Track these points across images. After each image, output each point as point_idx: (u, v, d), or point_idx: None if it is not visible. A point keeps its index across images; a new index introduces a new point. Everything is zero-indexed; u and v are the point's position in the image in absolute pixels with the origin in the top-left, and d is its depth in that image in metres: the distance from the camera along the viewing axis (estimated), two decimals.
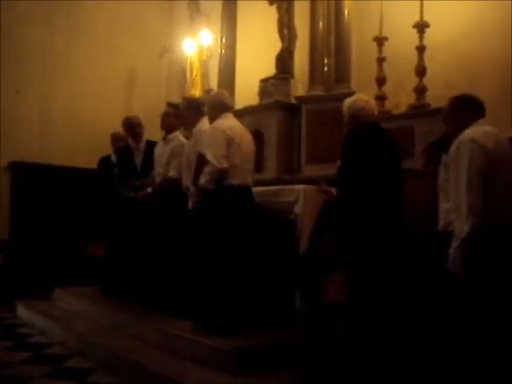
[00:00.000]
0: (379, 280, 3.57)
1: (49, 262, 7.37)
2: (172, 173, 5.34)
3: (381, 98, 5.88)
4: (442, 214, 3.30)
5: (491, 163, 3.09)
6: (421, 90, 5.51)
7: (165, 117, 5.67)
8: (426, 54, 5.54)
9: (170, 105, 5.73)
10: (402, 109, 5.76)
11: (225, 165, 4.40)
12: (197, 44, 8.09)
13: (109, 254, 6.14)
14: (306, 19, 6.49)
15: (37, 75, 8.07)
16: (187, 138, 6.15)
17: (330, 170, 5.45)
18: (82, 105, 8.41)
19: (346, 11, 6.16)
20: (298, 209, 4.71)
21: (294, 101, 6.33)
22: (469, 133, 3.21)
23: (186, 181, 4.88)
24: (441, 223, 3.29)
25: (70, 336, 5.31)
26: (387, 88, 5.92)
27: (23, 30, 7.90)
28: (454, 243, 3.06)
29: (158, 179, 5.53)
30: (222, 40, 7.48)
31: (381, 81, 5.88)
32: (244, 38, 7.49)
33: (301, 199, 4.71)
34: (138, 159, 6.06)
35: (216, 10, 7.78)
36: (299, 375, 3.56)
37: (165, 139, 5.59)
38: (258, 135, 6.29)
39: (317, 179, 4.76)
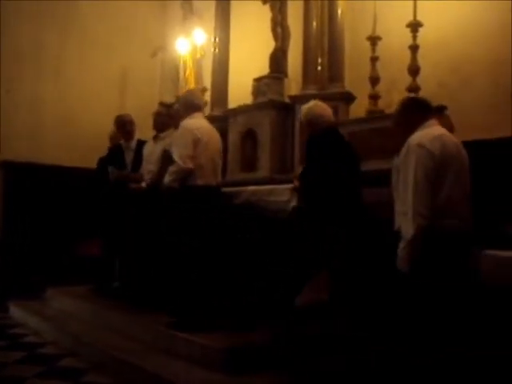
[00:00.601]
0: (360, 280, 3.60)
1: (42, 262, 7.35)
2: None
3: (374, 98, 5.88)
4: (396, 215, 3.39)
5: (438, 168, 3.20)
6: (414, 90, 5.51)
7: (156, 116, 5.67)
8: (419, 54, 5.55)
9: (162, 104, 5.73)
10: (395, 108, 5.77)
11: (190, 165, 4.55)
12: (190, 43, 8.07)
13: (105, 252, 6.11)
14: (300, 18, 6.48)
15: (28, 75, 8.04)
16: None
17: None
18: (75, 104, 8.39)
19: (339, 11, 6.15)
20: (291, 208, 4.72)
21: (287, 100, 6.33)
22: (417, 137, 3.31)
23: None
24: (396, 224, 3.37)
25: (64, 336, 5.30)
26: (380, 87, 5.92)
27: (14, 29, 7.88)
28: (401, 244, 3.19)
29: (147, 177, 5.49)
30: (215, 39, 7.48)
31: (374, 80, 5.88)
32: (237, 37, 7.49)
33: (294, 198, 4.71)
34: (129, 158, 6.06)
35: (209, 10, 7.77)
36: (291, 375, 3.56)
37: (156, 137, 5.57)
38: (251, 134, 6.30)
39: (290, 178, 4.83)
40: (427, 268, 3.11)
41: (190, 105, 4.88)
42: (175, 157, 4.58)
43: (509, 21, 5.29)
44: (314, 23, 6.33)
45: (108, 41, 8.69)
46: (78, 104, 8.39)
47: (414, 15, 5.52)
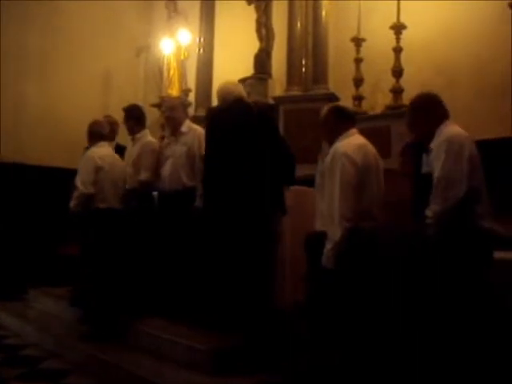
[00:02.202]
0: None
1: (23, 263, 7.27)
2: (144, 175, 5.27)
3: (358, 99, 5.92)
4: (319, 215, 3.64)
5: (360, 175, 3.51)
6: (397, 91, 5.56)
7: (124, 123, 5.63)
8: (403, 55, 5.59)
9: (124, 109, 5.67)
10: (379, 109, 5.82)
11: (90, 190, 5.09)
12: (175, 43, 8.05)
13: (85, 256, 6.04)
14: (284, 20, 6.51)
15: (11, 75, 7.94)
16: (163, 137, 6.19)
17: (308, 170, 5.48)
18: (59, 104, 8.30)
19: (323, 12, 6.19)
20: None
21: (271, 101, 6.33)
22: (341, 146, 3.60)
23: (186, 179, 4.86)
24: (319, 223, 3.64)
25: (46, 337, 5.25)
26: (364, 88, 5.96)
27: None
28: (328, 245, 3.44)
29: (127, 179, 5.44)
30: (199, 39, 7.47)
31: (358, 81, 5.92)
32: (222, 37, 7.49)
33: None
34: None
35: (194, 10, 7.77)
36: (276, 376, 3.56)
37: (133, 139, 5.53)
38: None
39: None
40: (351, 265, 3.40)
41: (96, 134, 5.42)
42: (77, 183, 5.11)
43: (492, 22, 5.35)
44: (299, 24, 6.37)
45: (92, 40, 8.61)
46: (61, 104, 8.31)
47: (398, 17, 5.56)
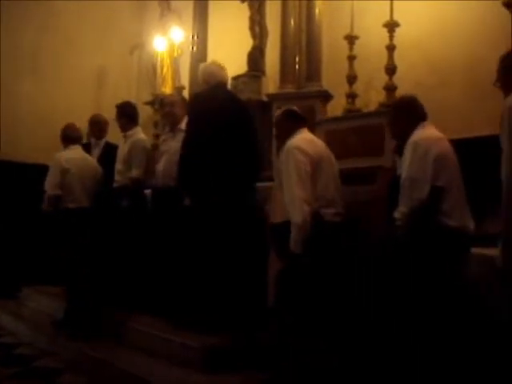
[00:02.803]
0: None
1: (16, 261, 7.24)
2: (135, 172, 5.28)
3: (351, 96, 5.91)
4: (282, 206, 3.86)
5: (313, 165, 3.79)
6: (390, 89, 5.56)
7: (117, 121, 5.63)
8: (396, 53, 5.59)
9: (117, 106, 5.68)
10: (372, 107, 5.81)
11: (57, 192, 5.41)
12: (168, 41, 8.03)
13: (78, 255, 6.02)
14: (278, 17, 6.49)
15: (4, 73, 7.89)
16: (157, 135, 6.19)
17: None
18: (51, 102, 8.26)
19: (317, 10, 6.17)
20: (268, 206, 4.73)
21: (264, 98, 6.33)
22: (293, 141, 3.91)
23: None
24: (278, 217, 3.94)
25: (39, 336, 5.24)
26: (358, 86, 5.95)
27: None
28: (293, 230, 3.65)
29: (116, 176, 5.44)
30: (193, 37, 7.44)
31: (351, 79, 5.91)
32: (215, 35, 7.46)
33: (271, 197, 4.72)
34: (95, 155, 6.14)
35: (187, 7, 7.74)
36: (269, 375, 3.56)
37: (125, 136, 5.53)
38: None
39: None
40: (316, 248, 3.63)
41: (67, 138, 5.77)
42: (45, 185, 5.51)
43: (485, 20, 5.36)
44: (292, 22, 6.35)
45: (85, 38, 8.58)
46: (55, 102, 8.28)
47: (391, 15, 5.56)
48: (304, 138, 3.97)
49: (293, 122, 4.13)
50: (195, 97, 4.59)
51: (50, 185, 5.52)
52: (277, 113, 4.42)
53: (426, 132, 3.49)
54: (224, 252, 4.06)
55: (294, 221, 3.64)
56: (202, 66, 4.90)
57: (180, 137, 4.90)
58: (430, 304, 3.14)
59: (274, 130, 4.28)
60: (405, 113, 3.65)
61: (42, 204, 5.53)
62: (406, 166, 3.39)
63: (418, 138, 3.42)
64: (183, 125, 4.94)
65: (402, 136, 3.58)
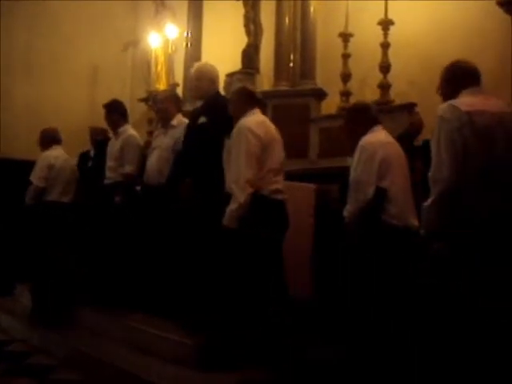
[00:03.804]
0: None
1: (11, 258, 7.21)
2: (128, 168, 5.28)
3: (346, 94, 5.92)
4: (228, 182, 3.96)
5: (262, 146, 3.84)
6: (385, 87, 5.57)
7: (107, 119, 5.62)
8: (391, 52, 5.60)
9: (108, 104, 5.67)
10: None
11: (43, 184, 6.04)
12: (162, 38, 8.01)
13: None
14: (272, 15, 6.50)
15: None
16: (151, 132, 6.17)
17: (295, 164, 5.49)
18: (45, 100, 8.25)
19: (311, 7, 6.19)
20: None
21: (259, 96, 6.32)
22: (245, 122, 3.94)
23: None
24: (227, 188, 3.95)
25: (32, 333, 5.23)
26: (352, 84, 5.96)
27: None
28: (233, 205, 3.75)
29: (108, 173, 5.42)
30: (187, 34, 7.43)
31: (346, 77, 5.92)
32: (210, 32, 7.46)
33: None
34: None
35: (182, 4, 7.73)
36: (265, 372, 3.57)
37: (116, 133, 5.52)
38: None
39: None
40: (253, 224, 3.73)
41: (52, 139, 6.35)
42: (32, 177, 6.09)
43: (479, 19, 5.38)
44: (287, 19, 6.36)
45: (79, 35, 8.55)
46: (49, 99, 8.26)
47: (386, 13, 5.57)
48: (256, 120, 3.99)
49: (248, 102, 4.13)
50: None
51: (36, 177, 6.08)
52: (233, 88, 4.46)
53: (375, 136, 3.74)
54: (220, 249, 4.05)
55: (237, 199, 3.74)
56: (207, 65, 4.89)
57: (172, 133, 4.91)
58: (380, 295, 3.40)
59: (230, 107, 4.21)
60: (357, 117, 3.91)
61: (26, 197, 6.04)
62: (353, 168, 3.66)
63: (365, 142, 3.68)
64: (175, 121, 4.96)
65: (354, 139, 3.78)
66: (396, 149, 3.78)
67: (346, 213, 3.63)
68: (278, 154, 3.99)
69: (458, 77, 3.23)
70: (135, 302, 4.73)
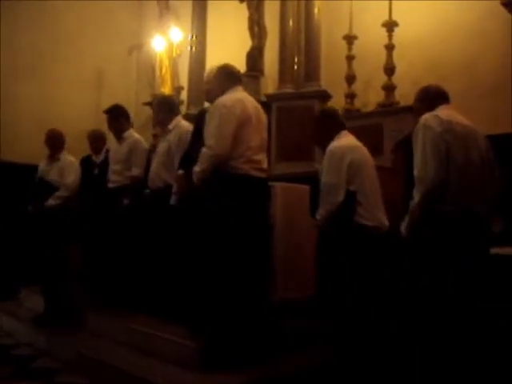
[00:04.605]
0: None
1: (16, 262, 7.23)
2: (136, 171, 5.29)
3: (350, 96, 5.92)
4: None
5: (239, 123, 3.83)
6: (389, 88, 5.56)
7: (112, 124, 5.60)
8: (395, 53, 5.60)
9: (106, 112, 5.65)
10: (371, 107, 5.82)
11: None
12: (166, 41, 8.03)
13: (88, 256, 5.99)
14: (277, 17, 6.49)
15: (2, 74, 7.88)
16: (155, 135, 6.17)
17: (300, 167, 5.48)
18: (51, 104, 8.26)
19: (315, 10, 6.18)
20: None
21: (263, 98, 6.32)
22: (222, 100, 3.91)
23: (166, 176, 4.83)
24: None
25: (38, 336, 5.23)
26: (356, 86, 5.96)
27: None
28: (197, 168, 3.85)
29: (113, 177, 5.43)
30: (192, 37, 7.44)
31: (350, 79, 5.92)
32: (214, 35, 7.47)
33: (272, 198, 4.70)
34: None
35: (186, 7, 7.75)
36: (268, 373, 3.56)
37: (121, 138, 5.50)
38: None
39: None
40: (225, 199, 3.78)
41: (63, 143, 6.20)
42: (72, 184, 5.92)
43: (484, 20, 5.36)
44: (291, 22, 6.35)
45: (84, 39, 8.58)
46: (54, 103, 8.28)
47: (390, 15, 5.56)
48: (233, 97, 3.98)
49: (229, 81, 4.12)
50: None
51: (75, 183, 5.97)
52: (212, 69, 4.35)
53: (343, 140, 3.88)
54: (223, 250, 4.03)
55: (201, 162, 3.82)
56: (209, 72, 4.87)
57: (167, 137, 4.91)
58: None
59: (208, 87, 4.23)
60: (326, 123, 4.01)
61: (52, 201, 5.81)
62: (324, 173, 3.79)
63: (334, 147, 3.81)
64: (171, 125, 4.94)
65: (324, 143, 3.92)
66: (363, 152, 3.91)
67: (317, 216, 3.76)
68: (259, 132, 4.01)
69: (431, 96, 3.56)
70: (138, 305, 4.73)
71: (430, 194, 3.20)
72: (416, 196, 3.24)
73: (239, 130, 3.83)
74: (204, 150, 3.83)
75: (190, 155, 4.28)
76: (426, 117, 3.35)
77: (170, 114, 5.03)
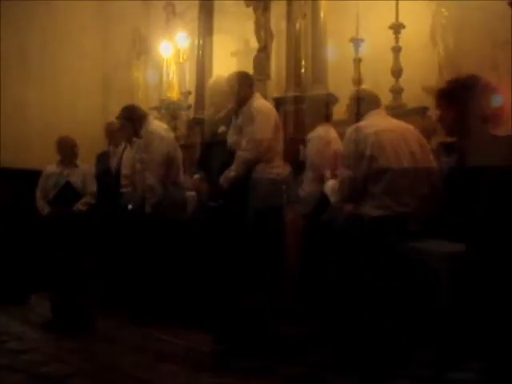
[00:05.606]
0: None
1: (25, 267, 7.24)
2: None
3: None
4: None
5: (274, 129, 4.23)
6: (397, 91, 5.54)
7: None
8: (402, 55, 5.59)
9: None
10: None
11: None
12: (173, 46, 8.04)
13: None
14: (283, 20, 6.49)
15: (9, 79, 7.91)
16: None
17: None
18: (58, 109, 8.29)
19: (322, 13, 6.17)
20: None
21: (270, 102, 6.31)
22: (261, 103, 4.30)
23: (151, 179, 4.84)
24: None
25: (47, 342, 5.24)
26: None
27: None
28: (231, 173, 4.14)
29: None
30: (198, 42, 7.45)
31: (357, 81, 5.90)
32: (221, 39, 7.47)
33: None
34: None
35: (192, 12, 7.76)
36: (278, 378, 3.55)
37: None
38: None
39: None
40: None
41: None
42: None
43: (491, 20, 5.34)
44: (297, 25, 6.34)
45: (91, 44, 8.63)
46: (60, 109, 8.31)
47: (397, 16, 5.55)
48: (267, 103, 4.44)
49: (251, 87, 4.60)
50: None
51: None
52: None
53: (320, 130, 4.48)
54: (234, 253, 4.04)
55: (231, 173, 4.10)
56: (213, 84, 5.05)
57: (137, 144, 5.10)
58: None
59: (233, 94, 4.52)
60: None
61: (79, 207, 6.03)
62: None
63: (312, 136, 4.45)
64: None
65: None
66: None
67: (302, 192, 4.10)
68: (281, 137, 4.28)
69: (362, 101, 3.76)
70: (150, 310, 4.73)
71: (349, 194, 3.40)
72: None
73: (273, 136, 4.01)
74: (241, 153, 3.85)
75: (203, 161, 4.37)
76: (350, 130, 3.47)
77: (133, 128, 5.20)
